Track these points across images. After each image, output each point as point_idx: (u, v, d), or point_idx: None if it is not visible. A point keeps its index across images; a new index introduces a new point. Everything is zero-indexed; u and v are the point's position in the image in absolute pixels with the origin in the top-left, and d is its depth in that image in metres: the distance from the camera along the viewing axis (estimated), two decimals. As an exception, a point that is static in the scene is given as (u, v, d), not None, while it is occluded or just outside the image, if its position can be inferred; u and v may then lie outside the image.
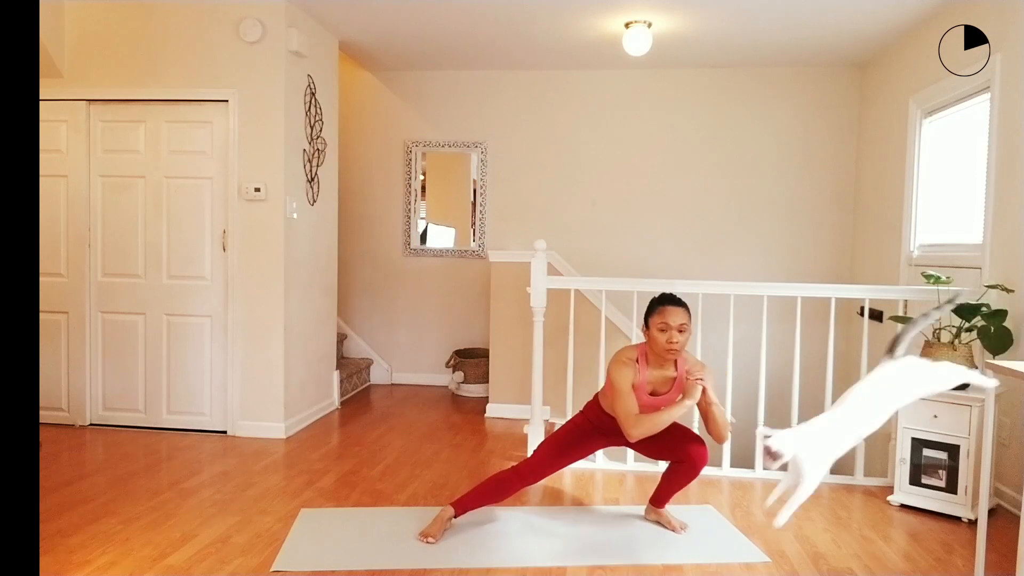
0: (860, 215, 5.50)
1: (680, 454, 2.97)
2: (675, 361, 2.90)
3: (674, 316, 2.82)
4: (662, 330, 2.82)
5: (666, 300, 2.88)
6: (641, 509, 3.27)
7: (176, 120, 4.42)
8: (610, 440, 3.07)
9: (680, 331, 2.81)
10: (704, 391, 2.78)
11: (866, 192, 5.39)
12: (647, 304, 2.95)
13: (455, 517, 2.97)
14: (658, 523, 3.12)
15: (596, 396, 3.12)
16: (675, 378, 2.90)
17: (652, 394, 2.90)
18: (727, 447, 3.90)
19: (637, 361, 2.89)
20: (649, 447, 3.02)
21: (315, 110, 4.76)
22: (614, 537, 2.99)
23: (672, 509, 3.17)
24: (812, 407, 5.04)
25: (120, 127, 4.47)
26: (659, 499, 3.11)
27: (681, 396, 2.85)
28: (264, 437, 4.37)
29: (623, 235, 5.88)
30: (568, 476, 3.80)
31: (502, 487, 3.00)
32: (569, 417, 3.95)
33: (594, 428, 3.06)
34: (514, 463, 3.97)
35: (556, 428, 3.21)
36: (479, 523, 3.09)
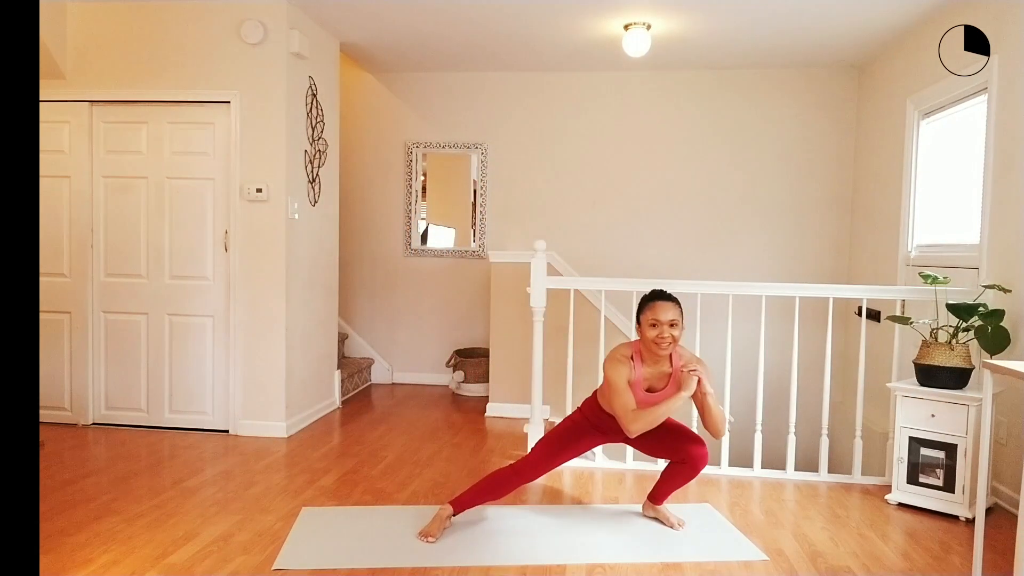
0: (858, 215, 5.51)
1: (681, 454, 3.00)
2: (670, 357, 2.92)
3: (664, 312, 2.84)
4: (653, 326, 2.84)
5: (656, 296, 2.91)
6: (640, 507, 3.29)
7: (178, 121, 4.44)
8: (608, 437, 3.10)
9: (671, 326, 2.83)
10: (700, 383, 2.80)
11: (864, 192, 5.41)
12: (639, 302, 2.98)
13: (453, 515, 3.00)
14: (656, 519, 3.15)
15: (595, 393, 3.14)
16: (670, 374, 2.92)
17: (649, 390, 2.93)
18: (725, 446, 3.92)
19: (632, 358, 2.91)
20: (649, 445, 3.05)
21: (316, 111, 4.78)
22: (613, 535, 3.01)
23: (670, 507, 3.19)
24: (811, 406, 5.07)
25: (122, 128, 4.49)
26: (657, 496, 3.14)
27: (677, 390, 2.88)
28: (265, 436, 4.39)
29: (622, 235, 5.89)
30: (568, 475, 3.81)
31: (500, 485, 3.02)
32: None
33: (592, 426, 3.09)
34: (513, 461, 4.00)
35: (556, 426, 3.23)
36: (479, 522, 3.11)
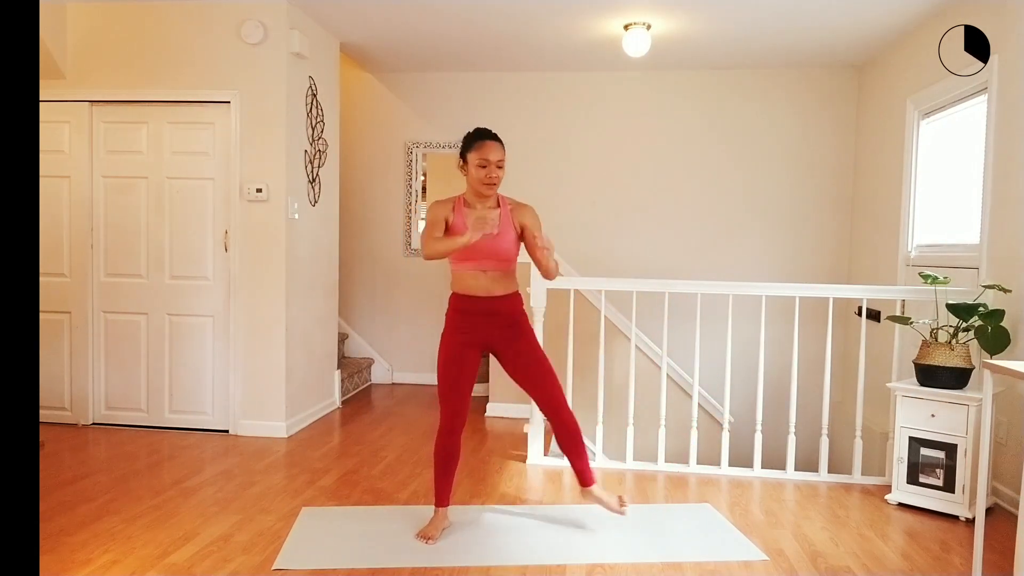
0: (858, 215, 5.51)
1: (547, 412, 2.98)
2: (498, 201, 2.90)
3: (494, 151, 2.81)
4: (482, 166, 2.80)
5: (484, 135, 2.86)
6: (641, 508, 3.29)
7: (178, 121, 4.44)
8: (478, 343, 3.00)
9: (499, 166, 2.81)
10: (537, 238, 2.80)
11: (864, 192, 5.41)
12: (463, 141, 2.90)
13: (447, 510, 2.99)
14: (599, 504, 3.05)
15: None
16: (501, 217, 2.84)
17: (487, 236, 2.80)
18: (725, 446, 3.92)
19: (455, 205, 2.88)
20: (521, 381, 3.02)
21: (316, 111, 4.78)
22: (614, 535, 3.01)
23: (671, 508, 3.18)
24: (811, 406, 5.07)
25: (122, 128, 4.49)
26: (580, 478, 3.06)
27: (512, 230, 2.87)
28: (266, 436, 4.39)
29: (623, 235, 5.89)
30: (568, 475, 3.81)
31: (444, 454, 2.96)
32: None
33: (462, 337, 2.96)
34: (516, 461, 4.01)
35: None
36: (479, 522, 3.11)
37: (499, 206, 2.90)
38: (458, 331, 2.96)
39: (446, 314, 3.02)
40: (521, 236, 2.94)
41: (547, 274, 2.91)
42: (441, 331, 3.05)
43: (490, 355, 5.16)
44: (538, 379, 2.98)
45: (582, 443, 3.04)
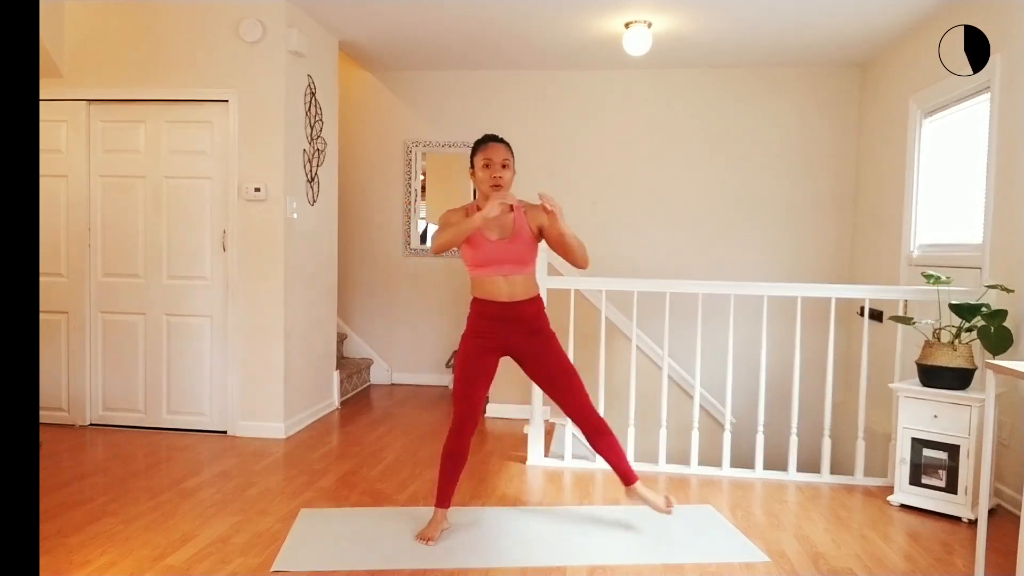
0: (860, 215, 5.50)
1: (573, 416, 3.01)
2: (511, 207, 2.90)
3: (496, 152, 2.85)
4: (486, 166, 2.84)
5: (487, 138, 2.93)
6: (642, 509, 3.27)
7: (176, 120, 4.42)
8: (499, 348, 2.97)
9: (503, 167, 2.84)
10: (554, 218, 2.76)
11: (866, 192, 5.39)
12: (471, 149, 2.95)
13: (446, 512, 2.97)
14: (644, 503, 3.06)
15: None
16: (515, 220, 2.89)
17: (501, 240, 2.88)
18: (727, 447, 3.90)
19: (469, 210, 2.90)
20: (547, 388, 3.02)
21: (315, 110, 4.76)
22: (614, 537, 2.99)
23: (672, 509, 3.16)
24: (813, 407, 5.05)
25: (120, 127, 4.47)
26: (622, 478, 3.06)
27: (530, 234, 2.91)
28: (264, 437, 4.37)
29: (623, 235, 5.87)
30: (568, 476, 3.80)
31: (452, 455, 2.94)
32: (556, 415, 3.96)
33: (481, 340, 2.95)
34: (516, 462, 3.99)
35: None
36: (479, 523, 3.09)
37: (512, 210, 2.91)
38: (479, 335, 2.96)
39: (468, 317, 3.02)
40: (539, 236, 2.95)
41: (575, 259, 2.92)
42: (461, 332, 3.04)
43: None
44: (565, 389, 3.00)
45: (617, 442, 3.04)
